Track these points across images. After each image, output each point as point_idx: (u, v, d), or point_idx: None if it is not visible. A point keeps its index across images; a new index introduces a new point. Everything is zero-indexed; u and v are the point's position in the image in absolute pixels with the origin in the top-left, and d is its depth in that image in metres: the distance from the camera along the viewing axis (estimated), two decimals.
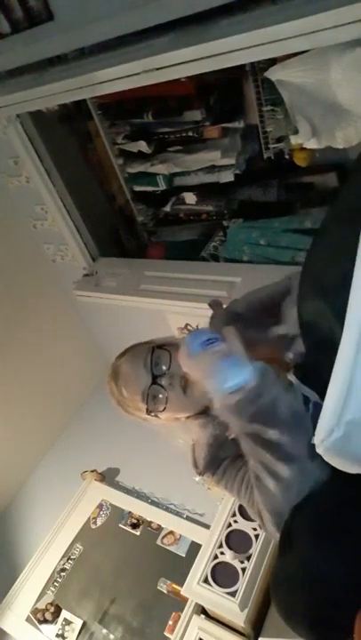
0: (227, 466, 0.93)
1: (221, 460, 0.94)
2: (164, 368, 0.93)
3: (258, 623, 1.68)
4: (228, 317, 1.02)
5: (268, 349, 0.93)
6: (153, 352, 0.95)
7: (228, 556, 1.75)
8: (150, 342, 1.03)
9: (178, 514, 2.32)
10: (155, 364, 0.93)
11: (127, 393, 0.97)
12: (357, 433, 0.57)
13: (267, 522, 0.79)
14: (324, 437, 0.59)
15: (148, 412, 0.94)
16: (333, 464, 0.63)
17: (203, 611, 1.83)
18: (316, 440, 0.60)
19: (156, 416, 0.96)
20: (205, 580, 1.74)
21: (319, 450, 0.61)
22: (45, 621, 2.18)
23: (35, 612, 2.22)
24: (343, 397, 0.57)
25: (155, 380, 0.92)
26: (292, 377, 0.88)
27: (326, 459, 0.63)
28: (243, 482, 0.89)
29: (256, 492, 0.81)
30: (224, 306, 1.07)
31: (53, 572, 2.33)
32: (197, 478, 2.28)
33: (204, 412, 0.97)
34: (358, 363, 0.56)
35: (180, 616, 1.94)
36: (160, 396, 0.92)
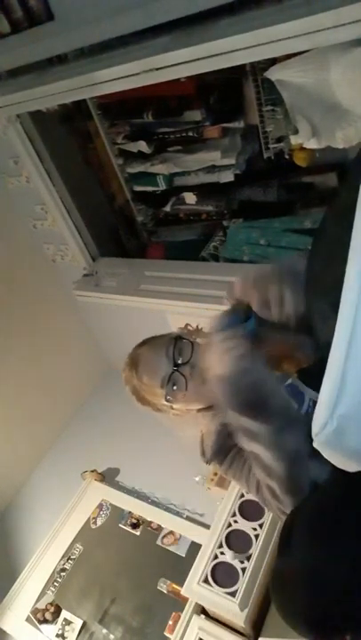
0: (234, 455, 0.95)
1: (229, 448, 0.95)
2: (185, 358, 0.96)
3: (258, 623, 1.68)
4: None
5: (281, 347, 0.97)
6: (176, 342, 0.98)
7: (228, 556, 1.75)
8: (170, 334, 1.06)
9: (178, 514, 2.32)
10: (177, 353, 0.96)
11: (147, 379, 0.99)
12: (351, 427, 0.57)
13: (279, 494, 0.81)
14: (318, 431, 0.59)
15: (166, 398, 0.96)
16: (330, 459, 0.63)
17: (203, 611, 1.83)
18: (313, 434, 0.60)
19: (171, 404, 0.98)
20: (205, 580, 1.74)
21: (315, 444, 0.61)
22: (45, 621, 2.18)
23: (35, 612, 2.22)
24: (336, 391, 0.57)
25: (176, 368, 0.95)
26: (294, 378, 0.89)
27: (323, 453, 0.64)
28: (250, 472, 0.91)
29: (257, 470, 0.84)
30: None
31: (53, 572, 2.33)
32: (197, 478, 2.29)
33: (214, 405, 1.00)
34: (351, 357, 0.57)
35: (180, 616, 1.94)
36: (180, 383, 0.95)
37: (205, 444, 1.00)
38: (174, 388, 0.95)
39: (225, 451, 0.96)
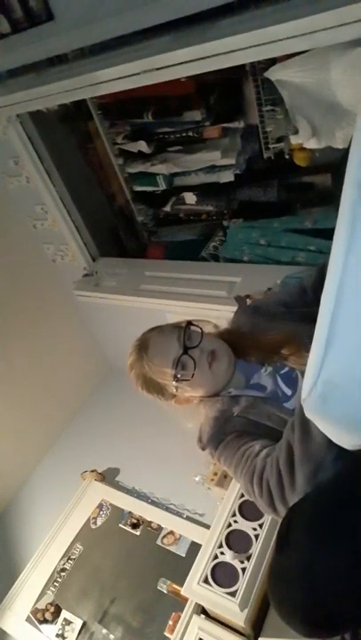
0: (229, 441, 0.99)
1: (225, 435, 0.99)
2: (195, 343, 1.03)
3: (258, 623, 1.68)
4: (249, 310, 1.18)
5: (277, 335, 1.03)
6: (186, 327, 1.05)
7: (228, 556, 1.75)
8: (179, 322, 1.12)
9: (178, 514, 2.32)
10: (187, 338, 1.03)
11: (158, 360, 1.04)
12: (334, 394, 0.57)
13: (299, 476, 0.81)
14: (305, 396, 0.59)
15: (175, 377, 1.01)
16: (322, 429, 0.64)
17: (203, 611, 1.83)
18: (302, 400, 0.60)
19: (178, 385, 1.02)
20: (205, 580, 1.73)
21: (305, 411, 0.61)
22: (45, 621, 2.18)
23: (35, 611, 2.22)
24: (321, 356, 0.57)
25: (186, 351, 1.01)
26: (290, 365, 0.91)
27: (314, 421, 0.64)
28: (243, 456, 0.94)
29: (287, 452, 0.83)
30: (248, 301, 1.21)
31: (53, 572, 2.33)
32: (197, 478, 2.28)
33: (216, 395, 1.06)
34: (336, 322, 0.57)
35: (180, 616, 1.94)
36: (189, 365, 1.01)
37: (203, 429, 1.04)
38: (184, 368, 1.01)
39: (220, 436, 1.00)
